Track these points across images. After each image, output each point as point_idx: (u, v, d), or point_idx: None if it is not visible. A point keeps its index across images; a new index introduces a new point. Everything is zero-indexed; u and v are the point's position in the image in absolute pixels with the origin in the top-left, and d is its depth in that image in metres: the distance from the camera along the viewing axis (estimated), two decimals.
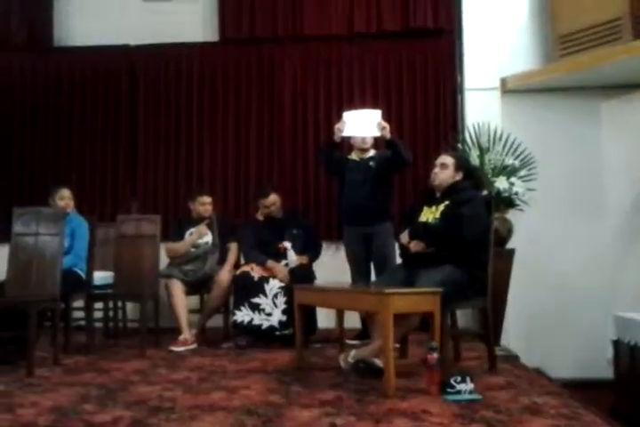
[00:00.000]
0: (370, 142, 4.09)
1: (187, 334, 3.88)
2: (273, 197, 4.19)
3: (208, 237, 4.24)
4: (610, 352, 3.76)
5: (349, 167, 4.09)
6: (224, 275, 4.04)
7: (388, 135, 3.86)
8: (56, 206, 3.88)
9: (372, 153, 4.11)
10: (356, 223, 4.03)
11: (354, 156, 4.15)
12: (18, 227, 3.41)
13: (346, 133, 3.95)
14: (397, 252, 3.78)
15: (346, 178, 4.10)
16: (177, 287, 4.02)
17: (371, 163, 4.04)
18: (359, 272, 4.06)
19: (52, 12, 5.29)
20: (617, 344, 3.69)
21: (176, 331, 3.94)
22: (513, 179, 4.17)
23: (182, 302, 4.00)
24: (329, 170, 4.38)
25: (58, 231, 3.35)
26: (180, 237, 4.26)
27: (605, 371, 3.87)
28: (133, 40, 5.15)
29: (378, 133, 3.89)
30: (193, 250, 4.20)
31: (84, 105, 5.21)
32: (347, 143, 4.28)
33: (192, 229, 4.25)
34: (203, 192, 4.42)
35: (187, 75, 5.16)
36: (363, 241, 4.02)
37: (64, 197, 3.91)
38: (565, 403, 2.44)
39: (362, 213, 3.97)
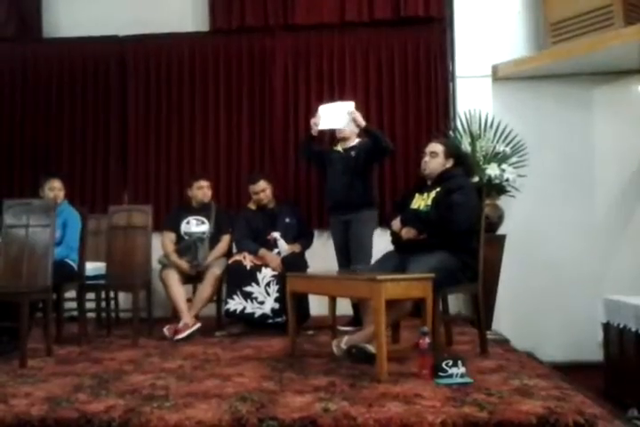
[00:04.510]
0: (346, 131, 4.10)
1: (187, 318, 3.84)
2: (262, 184, 4.19)
3: (205, 227, 4.24)
4: (600, 335, 3.79)
5: (332, 158, 4.13)
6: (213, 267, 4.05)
7: (362, 123, 3.90)
8: (46, 197, 3.86)
9: (354, 142, 4.13)
10: (338, 212, 4.07)
11: (338, 146, 4.18)
12: (8, 219, 3.39)
13: (321, 127, 4.00)
14: (376, 239, 3.92)
15: (327, 169, 4.15)
16: (173, 277, 4.02)
17: (352, 152, 4.07)
18: (342, 260, 4.09)
19: (41, 2, 5.25)
20: (606, 327, 3.73)
21: (170, 320, 3.93)
22: (504, 165, 4.20)
23: (180, 290, 3.99)
24: (310, 163, 4.46)
25: (49, 222, 3.33)
26: (174, 226, 4.27)
27: (596, 354, 3.91)
28: (123, 30, 5.12)
29: (352, 124, 3.93)
30: (187, 238, 4.21)
31: (74, 96, 5.18)
32: (328, 136, 4.32)
33: (189, 218, 4.27)
34: (199, 176, 4.42)
35: (177, 65, 5.14)
36: (343, 228, 4.05)
37: (54, 188, 3.88)
38: (556, 385, 2.46)
39: (341, 202, 4.02)
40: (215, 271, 4.01)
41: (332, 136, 4.51)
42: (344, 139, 4.13)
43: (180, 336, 3.71)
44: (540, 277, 4.57)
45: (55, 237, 3.40)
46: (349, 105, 3.97)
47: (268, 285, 3.87)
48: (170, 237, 4.24)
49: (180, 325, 3.81)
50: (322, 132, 4.12)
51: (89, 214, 3.98)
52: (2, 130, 5.18)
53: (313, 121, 4.02)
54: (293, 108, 5.02)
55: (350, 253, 4.02)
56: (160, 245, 4.23)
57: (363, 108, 4.31)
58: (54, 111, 5.17)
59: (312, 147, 4.18)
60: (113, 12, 5.12)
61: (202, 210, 4.30)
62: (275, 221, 4.18)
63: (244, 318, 3.87)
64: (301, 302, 3.74)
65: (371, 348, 2.77)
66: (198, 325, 3.83)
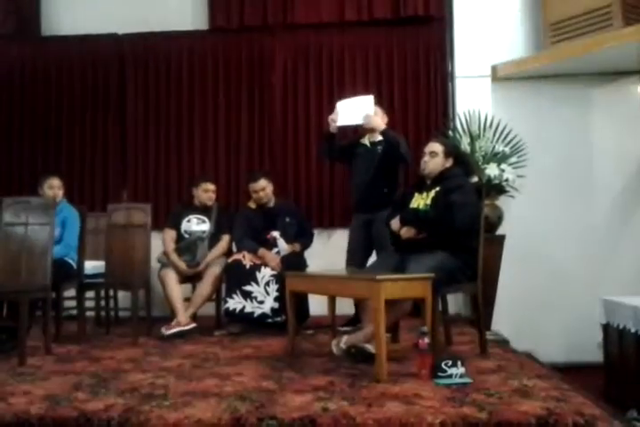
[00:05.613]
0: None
1: (181, 317, 3.84)
2: (263, 182, 4.17)
3: (205, 226, 4.24)
4: (600, 336, 3.79)
5: (358, 152, 4.01)
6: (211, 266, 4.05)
7: (380, 127, 3.84)
8: (45, 196, 3.85)
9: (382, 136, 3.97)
10: (360, 210, 4.00)
11: (365, 139, 4.03)
12: (7, 217, 3.38)
13: (340, 123, 3.91)
14: None
15: (353, 164, 4.05)
16: (171, 277, 4.01)
17: (378, 147, 3.95)
18: (353, 259, 4.00)
19: (40, 0, 5.23)
20: (606, 328, 3.73)
21: (169, 320, 3.92)
22: (503, 166, 4.19)
23: (177, 289, 3.99)
24: (333, 159, 4.33)
25: (48, 221, 3.32)
26: (176, 224, 4.26)
27: (595, 354, 3.92)
28: (122, 29, 5.11)
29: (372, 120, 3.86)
30: (187, 236, 4.21)
31: (73, 94, 5.18)
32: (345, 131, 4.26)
33: (190, 216, 4.26)
34: (206, 179, 4.41)
35: (176, 64, 5.14)
36: (364, 228, 3.97)
37: (53, 186, 3.88)
38: (555, 386, 2.46)
39: (364, 199, 3.94)
40: (215, 270, 4.01)
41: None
42: (372, 130, 3.95)
43: (168, 332, 3.71)
44: (540, 277, 4.56)
45: (54, 236, 3.39)
46: (368, 99, 3.86)
47: (267, 284, 3.87)
48: (171, 234, 4.24)
49: (173, 322, 3.81)
50: (340, 129, 3.99)
51: (88, 213, 3.97)
52: (0, 128, 5.17)
53: (331, 117, 3.90)
54: (292, 107, 5.02)
55: (375, 252, 3.93)
56: (159, 243, 4.21)
57: None
58: (53, 110, 5.17)
59: (334, 144, 4.01)
60: (112, 10, 5.12)
61: (204, 209, 4.30)
62: (274, 220, 4.17)
63: (244, 318, 3.86)
64: (301, 301, 3.74)
65: (370, 348, 2.77)
66: (192, 325, 3.82)
